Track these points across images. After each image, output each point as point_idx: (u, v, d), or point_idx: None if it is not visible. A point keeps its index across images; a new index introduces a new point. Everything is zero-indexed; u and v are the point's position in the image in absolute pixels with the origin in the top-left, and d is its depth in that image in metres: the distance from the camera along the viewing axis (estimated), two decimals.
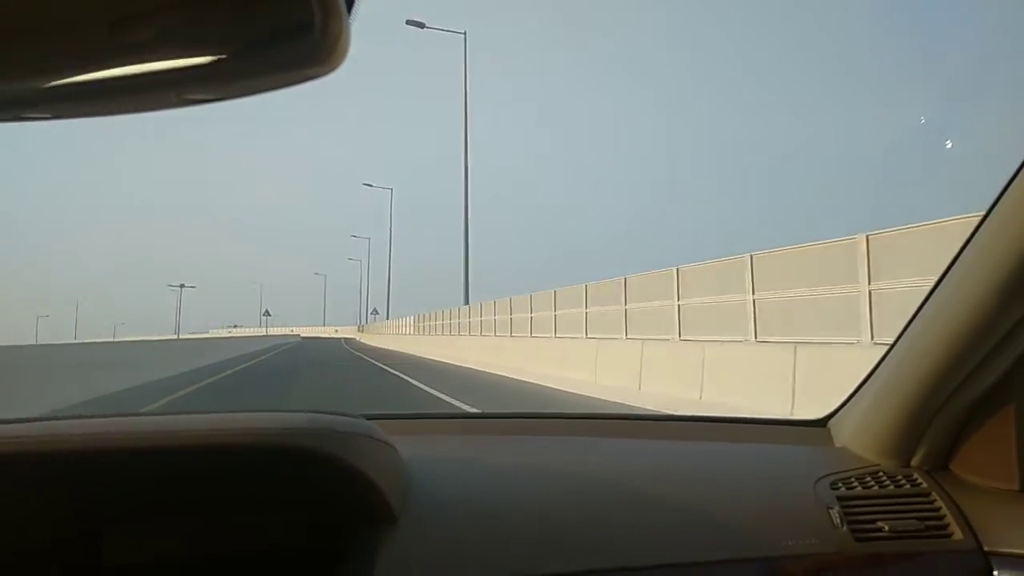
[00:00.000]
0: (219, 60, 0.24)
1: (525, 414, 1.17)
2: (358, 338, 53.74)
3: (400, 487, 0.73)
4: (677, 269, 9.59)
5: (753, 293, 7.95)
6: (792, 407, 6.01)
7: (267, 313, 59.16)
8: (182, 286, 71.37)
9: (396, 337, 34.77)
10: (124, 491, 0.68)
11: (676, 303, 9.53)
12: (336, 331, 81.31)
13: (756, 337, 7.80)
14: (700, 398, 7.69)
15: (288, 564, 0.73)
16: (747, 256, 8.10)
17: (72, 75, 0.25)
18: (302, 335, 70.54)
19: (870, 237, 6.38)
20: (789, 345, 6.75)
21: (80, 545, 0.69)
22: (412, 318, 34.12)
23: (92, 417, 0.66)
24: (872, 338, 6.22)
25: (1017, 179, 0.67)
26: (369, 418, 0.75)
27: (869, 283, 6.32)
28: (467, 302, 21.65)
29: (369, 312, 49.36)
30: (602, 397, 8.79)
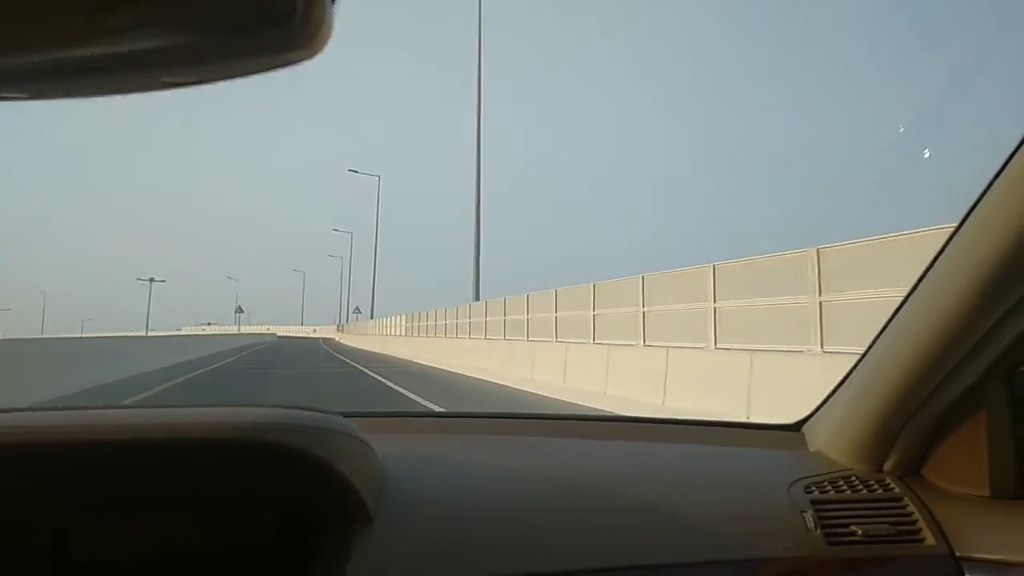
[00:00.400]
0: (199, 44, 0.24)
1: (502, 414, 1.19)
2: (337, 338, 52.29)
3: (375, 485, 0.73)
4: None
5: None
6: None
7: (240, 310, 56.30)
8: (151, 280, 66.64)
9: (377, 338, 34.21)
10: (94, 485, 0.66)
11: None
12: (314, 331, 78.16)
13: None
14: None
15: (261, 562, 0.72)
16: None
17: (49, 54, 0.24)
18: (278, 334, 67.25)
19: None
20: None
21: (48, 540, 0.68)
22: (403, 318, 32.34)
23: (62, 409, 0.64)
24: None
25: (991, 189, 0.68)
26: (346, 416, 0.74)
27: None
28: (477, 298, 21.74)
29: (351, 311, 47.07)
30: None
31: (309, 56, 0.25)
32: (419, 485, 0.78)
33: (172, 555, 0.71)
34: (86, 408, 0.65)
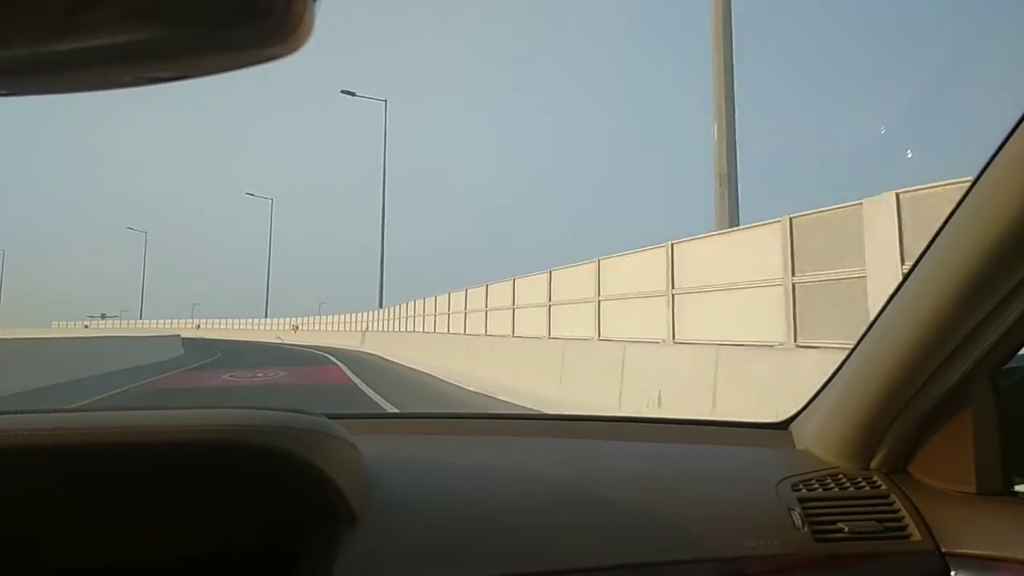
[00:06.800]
0: (178, 38, 0.23)
1: (489, 415, 1.29)
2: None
3: (361, 487, 0.72)
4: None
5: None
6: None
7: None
8: None
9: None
10: (71, 489, 0.66)
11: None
12: (295, 327, 41.09)
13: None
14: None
15: (244, 565, 0.71)
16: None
17: (24, 49, 0.23)
18: (184, 336, 26.93)
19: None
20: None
21: (22, 546, 0.67)
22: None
23: (38, 412, 0.64)
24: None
25: (978, 185, 0.66)
26: (331, 417, 0.73)
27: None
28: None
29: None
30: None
31: (289, 52, 0.25)
32: (406, 486, 0.77)
33: (150, 561, 0.71)
34: (60, 411, 0.65)
